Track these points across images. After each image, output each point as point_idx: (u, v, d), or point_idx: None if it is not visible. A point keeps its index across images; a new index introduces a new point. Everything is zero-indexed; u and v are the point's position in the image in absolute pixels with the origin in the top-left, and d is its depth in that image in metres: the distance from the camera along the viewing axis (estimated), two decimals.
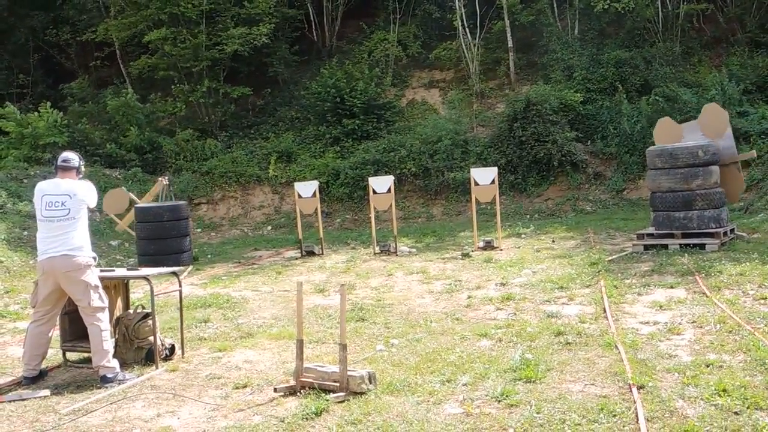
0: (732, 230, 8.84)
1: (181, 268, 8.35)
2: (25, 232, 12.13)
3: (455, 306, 6.63)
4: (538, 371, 4.35)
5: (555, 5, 18.15)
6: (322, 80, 17.56)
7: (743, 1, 16.78)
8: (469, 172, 11.59)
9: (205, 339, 5.97)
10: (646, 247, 8.59)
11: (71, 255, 4.91)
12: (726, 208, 8.84)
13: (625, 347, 4.73)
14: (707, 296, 6.02)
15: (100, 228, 13.19)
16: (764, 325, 5.05)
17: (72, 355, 5.53)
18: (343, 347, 4.21)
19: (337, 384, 4.19)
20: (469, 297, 6.95)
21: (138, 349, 5.33)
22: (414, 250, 10.64)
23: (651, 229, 8.92)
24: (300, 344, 4.38)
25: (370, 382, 4.24)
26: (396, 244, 10.48)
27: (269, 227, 15.35)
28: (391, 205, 10.89)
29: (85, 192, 5.10)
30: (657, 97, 14.86)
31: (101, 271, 5.41)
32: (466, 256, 9.58)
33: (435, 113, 17.70)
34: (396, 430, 3.62)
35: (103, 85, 20.55)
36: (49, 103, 17.44)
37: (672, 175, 8.60)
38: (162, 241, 10.68)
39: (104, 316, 4.99)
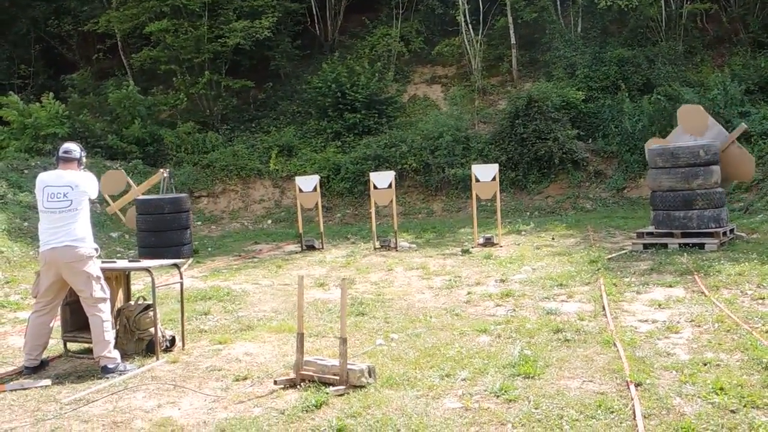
0: (731, 230, 8.87)
1: (182, 260, 8.37)
2: (26, 223, 12.14)
3: (455, 302, 6.66)
4: (537, 367, 4.38)
5: (558, 2, 18.14)
6: (323, 75, 17.55)
7: (746, 2, 16.77)
8: (469, 168, 11.61)
9: (205, 331, 6.00)
10: (646, 246, 8.61)
11: (74, 246, 4.93)
12: (726, 208, 8.87)
13: (623, 345, 4.76)
14: (706, 295, 6.05)
15: (101, 219, 13.20)
16: (762, 324, 5.08)
17: (73, 346, 5.55)
18: (344, 341, 4.24)
19: (337, 377, 4.22)
20: (468, 293, 6.98)
21: (139, 340, 5.36)
22: (414, 245, 10.67)
23: (651, 228, 8.94)
24: (300, 337, 4.40)
25: (370, 376, 4.27)
26: (396, 240, 10.51)
27: (269, 221, 15.37)
28: (391, 201, 10.90)
29: (87, 183, 5.11)
30: (659, 96, 14.85)
31: (103, 262, 5.43)
32: (466, 252, 9.60)
33: (436, 109, 17.69)
34: (395, 423, 3.65)
35: (104, 76, 20.53)
36: (51, 94, 17.44)
37: (673, 175, 8.62)
38: (162, 234, 10.70)
39: (106, 307, 5.01)
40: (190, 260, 10.50)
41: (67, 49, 21.89)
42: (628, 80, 15.74)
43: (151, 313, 5.28)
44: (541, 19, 18.02)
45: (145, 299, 5.65)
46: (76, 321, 5.40)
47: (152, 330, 5.26)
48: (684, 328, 5.16)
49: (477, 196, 10.64)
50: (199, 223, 15.15)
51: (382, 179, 10.93)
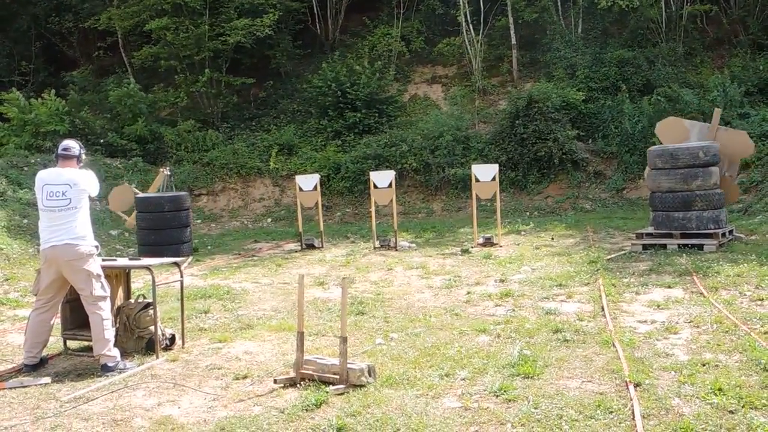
0: (730, 231, 8.88)
1: (182, 258, 8.37)
2: (25, 220, 12.14)
3: (454, 301, 6.67)
4: (536, 367, 4.39)
5: (559, 3, 18.14)
6: (323, 73, 17.55)
7: (747, 3, 16.78)
8: (469, 168, 11.62)
9: (205, 330, 6.01)
10: (645, 247, 8.63)
11: (74, 244, 4.93)
12: (725, 209, 8.88)
13: (622, 345, 4.77)
14: (704, 296, 6.06)
15: (101, 217, 13.19)
16: (760, 325, 5.09)
17: (73, 344, 5.56)
18: (344, 340, 4.24)
19: (337, 376, 4.23)
20: (468, 293, 6.99)
21: (138, 338, 5.36)
22: (414, 245, 10.67)
23: (650, 229, 8.96)
24: (300, 336, 4.41)
25: (370, 375, 4.28)
26: (396, 239, 10.51)
27: (269, 219, 15.38)
28: (391, 200, 10.91)
29: (87, 181, 5.10)
30: (659, 97, 14.87)
31: (103, 260, 5.44)
32: (465, 252, 9.61)
33: (437, 109, 17.69)
34: (395, 422, 3.66)
35: (105, 74, 20.52)
36: (53, 91, 17.43)
37: (672, 176, 8.63)
38: (162, 232, 10.70)
39: (106, 305, 5.02)
40: (190, 258, 10.50)
41: (67, 47, 21.86)
42: (628, 81, 15.76)
43: (151, 312, 5.29)
44: (542, 20, 18.02)
45: (145, 297, 5.66)
46: (76, 319, 5.40)
47: (152, 328, 5.27)
48: (683, 329, 5.17)
49: (477, 196, 10.65)
50: (199, 221, 15.15)
51: (382, 178, 10.94)
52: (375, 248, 10.51)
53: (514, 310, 6.14)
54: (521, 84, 17.57)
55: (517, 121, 15.12)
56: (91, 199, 5.24)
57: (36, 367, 5.02)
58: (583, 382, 4.16)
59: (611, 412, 3.65)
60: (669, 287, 6.58)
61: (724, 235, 8.56)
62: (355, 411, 3.83)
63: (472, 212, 10.80)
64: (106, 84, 19.13)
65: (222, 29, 17.45)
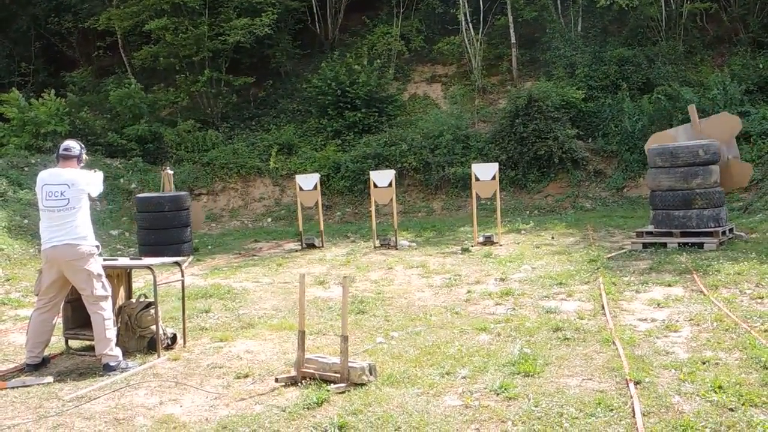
0: (731, 230, 8.89)
1: (183, 258, 8.39)
2: (26, 220, 12.15)
3: (455, 300, 6.68)
4: (537, 365, 4.40)
5: (558, 1, 18.15)
6: (323, 73, 17.56)
7: (747, 2, 16.78)
8: (469, 167, 11.63)
9: (206, 329, 6.02)
10: (645, 245, 8.64)
11: (74, 244, 4.94)
12: (725, 207, 8.89)
13: (622, 343, 4.78)
14: (705, 295, 6.07)
15: (101, 217, 13.23)
16: (760, 323, 5.10)
17: (74, 343, 5.57)
18: (345, 339, 4.26)
19: (338, 375, 4.24)
20: (468, 291, 7.00)
21: (140, 338, 5.38)
22: (414, 244, 10.69)
23: (650, 228, 8.97)
24: (302, 335, 4.42)
25: (371, 374, 4.29)
26: (396, 238, 10.52)
27: (269, 219, 15.39)
28: (391, 199, 10.92)
29: (86, 181, 5.10)
30: (659, 96, 14.88)
31: (104, 260, 5.45)
32: (465, 251, 9.63)
33: (436, 108, 17.71)
34: (396, 420, 3.67)
35: (105, 74, 20.53)
36: (53, 91, 17.44)
37: (672, 174, 8.64)
38: (162, 232, 10.72)
39: (107, 305, 5.03)
40: (191, 258, 10.52)
41: (67, 47, 21.87)
42: (628, 80, 15.76)
43: (153, 311, 5.30)
44: (542, 18, 18.03)
45: (146, 297, 5.67)
46: (78, 318, 5.41)
47: (153, 328, 5.28)
48: (683, 327, 5.19)
49: (477, 194, 10.66)
50: (204, 220, 15.16)
51: (382, 178, 10.95)
52: (375, 247, 10.52)
53: (514, 308, 6.16)
54: (521, 83, 17.58)
55: (516, 120, 15.13)
56: (91, 199, 5.25)
57: (38, 366, 5.03)
58: (583, 380, 4.17)
59: (611, 409, 3.67)
60: (669, 285, 6.59)
61: (724, 233, 8.57)
62: (356, 409, 3.84)
63: (472, 211, 10.81)
64: (106, 84, 19.15)
65: (221, 29, 17.46)
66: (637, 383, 3.99)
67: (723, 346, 4.64)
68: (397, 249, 10.25)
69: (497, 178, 10.39)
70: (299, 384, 4.32)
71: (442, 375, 4.38)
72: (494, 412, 3.74)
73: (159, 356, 5.14)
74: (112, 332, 4.99)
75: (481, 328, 5.48)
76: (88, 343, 5.38)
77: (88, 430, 3.84)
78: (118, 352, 4.96)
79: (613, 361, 4.47)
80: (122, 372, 4.83)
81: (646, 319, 5.48)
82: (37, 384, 4.65)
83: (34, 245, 10.65)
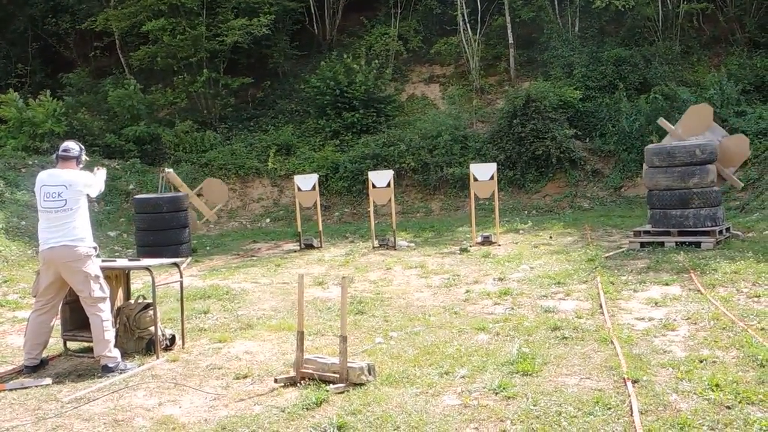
0: (727, 229, 8.92)
1: (181, 259, 8.39)
2: (23, 222, 12.14)
3: (453, 300, 6.70)
4: (535, 365, 4.41)
5: (556, 2, 18.18)
6: (321, 73, 17.57)
7: (743, 2, 16.84)
8: (468, 167, 11.65)
9: (205, 330, 6.02)
10: (643, 245, 8.66)
11: (72, 245, 4.93)
12: (722, 207, 8.92)
13: (620, 342, 4.80)
14: (702, 293, 6.09)
15: (99, 218, 13.22)
16: (757, 322, 5.12)
17: (73, 345, 5.57)
18: (344, 339, 4.26)
19: (337, 375, 4.25)
20: (467, 291, 7.01)
21: (139, 339, 5.37)
22: (412, 244, 10.70)
23: (648, 227, 8.99)
24: (300, 336, 4.43)
25: (370, 374, 4.30)
26: (395, 239, 10.53)
27: (268, 220, 15.39)
28: (390, 200, 10.93)
29: (84, 182, 5.09)
30: (656, 96, 14.92)
31: (103, 261, 5.44)
32: (464, 251, 9.64)
33: (435, 108, 17.73)
34: (395, 420, 3.68)
35: (102, 75, 20.51)
36: (48, 92, 17.43)
37: (669, 174, 8.66)
38: (161, 233, 10.70)
39: (105, 307, 5.02)
40: (189, 259, 10.52)
41: (64, 48, 21.85)
42: (625, 80, 15.80)
43: (151, 312, 5.30)
44: (539, 19, 18.06)
45: (144, 298, 5.67)
46: (76, 320, 5.41)
47: (152, 329, 5.28)
48: (680, 326, 5.20)
49: (475, 195, 10.67)
50: (198, 221, 15.15)
51: (380, 178, 10.96)
52: (374, 248, 10.53)
53: (512, 308, 6.17)
54: (519, 83, 17.61)
55: (514, 120, 15.15)
56: (90, 199, 5.25)
57: (36, 368, 5.02)
58: (581, 379, 4.19)
59: (609, 408, 3.68)
60: (666, 284, 6.61)
61: (721, 232, 8.60)
62: (355, 409, 3.85)
63: (471, 211, 10.82)
64: (104, 85, 19.13)
65: (219, 29, 17.45)
66: (634, 382, 4.00)
67: (720, 344, 4.66)
68: (395, 249, 10.26)
69: (495, 178, 10.41)
70: (298, 384, 4.33)
71: (440, 375, 4.39)
72: (493, 411, 3.75)
73: (158, 357, 5.15)
74: (110, 333, 4.98)
75: (479, 327, 5.50)
76: (86, 344, 5.37)
77: None
78: (116, 353, 4.96)
79: (611, 359, 4.48)
80: (121, 373, 4.83)
81: (643, 318, 5.50)
82: (36, 386, 4.65)
83: (32, 247, 10.64)
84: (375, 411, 3.82)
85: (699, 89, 15.00)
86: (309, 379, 4.34)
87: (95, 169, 5.43)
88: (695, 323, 5.24)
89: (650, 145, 9.25)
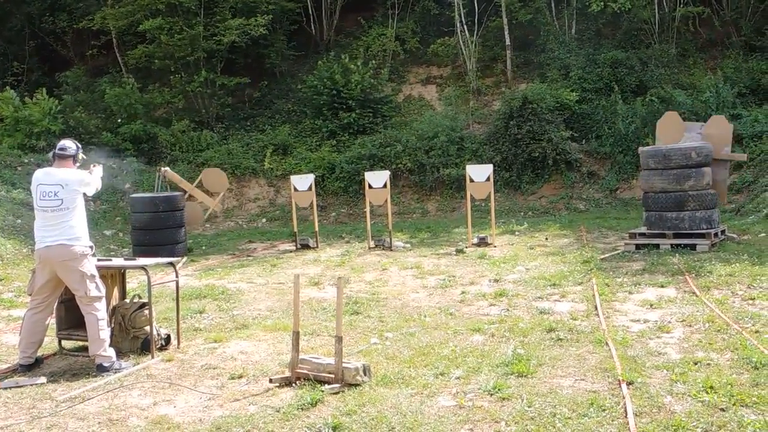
0: (723, 231, 8.95)
1: (177, 258, 8.37)
2: (19, 220, 12.10)
3: (449, 301, 6.70)
4: (530, 366, 4.42)
5: (553, 4, 18.22)
6: (318, 73, 17.56)
7: (739, 5, 16.91)
8: (464, 168, 11.66)
9: (200, 330, 6.02)
10: (638, 247, 8.68)
11: (68, 244, 4.92)
12: (717, 209, 8.95)
13: (615, 344, 4.82)
14: (697, 296, 6.12)
15: (95, 217, 13.18)
16: (752, 324, 5.15)
17: (68, 344, 5.55)
18: (339, 339, 4.27)
19: (332, 375, 4.25)
20: (462, 292, 7.02)
21: (134, 338, 5.37)
22: (408, 245, 10.70)
23: (643, 229, 9.02)
24: (296, 336, 4.43)
25: (365, 374, 4.30)
26: (391, 239, 10.54)
27: (264, 219, 15.38)
28: (386, 200, 10.93)
29: (80, 181, 5.08)
30: (652, 98, 14.97)
31: (98, 260, 5.43)
32: (460, 252, 9.65)
33: (431, 109, 17.74)
34: (390, 421, 3.68)
35: (99, 74, 20.45)
36: (45, 90, 17.38)
37: (665, 176, 8.69)
38: (157, 232, 10.68)
39: (101, 306, 5.01)
40: (185, 259, 10.50)
41: (61, 46, 21.77)
42: (622, 82, 15.84)
43: (147, 312, 5.30)
44: (536, 21, 18.10)
45: (140, 297, 5.66)
46: (71, 319, 5.40)
47: (147, 328, 5.27)
48: (675, 328, 5.22)
49: (471, 196, 10.69)
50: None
51: (376, 179, 10.96)
52: (370, 248, 10.53)
53: (508, 309, 6.18)
54: (515, 85, 17.64)
55: (511, 122, 15.18)
56: (86, 198, 5.23)
57: (31, 367, 5.01)
58: (576, 380, 4.20)
59: (604, 410, 3.69)
60: (662, 287, 6.63)
61: (716, 235, 8.63)
62: (350, 410, 3.85)
63: (467, 212, 10.83)
64: (100, 84, 19.08)
65: (216, 29, 17.43)
66: (629, 384, 4.02)
67: (715, 346, 4.68)
68: (391, 250, 10.26)
69: (491, 179, 10.42)
70: (293, 385, 4.33)
71: (436, 375, 4.39)
72: (488, 412, 3.76)
73: (153, 357, 5.14)
74: (105, 333, 4.98)
75: (475, 328, 5.51)
76: (81, 343, 5.36)
77: (82, 431, 3.83)
78: (111, 352, 4.95)
79: (605, 361, 4.50)
80: (116, 373, 4.82)
81: (638, 320, 5.52)
82: (30, 384, 4.64)
83: (27, 245, 10.60)
84: (370, 411, 3.82)
85: (695, 92, 15.05)
86: (304, 379, 4.34)
87: (91, 166, 5.42)
88: (690, 325, 5.26)
89: (646, 148, 9.28)
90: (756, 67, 15.33)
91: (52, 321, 5.32)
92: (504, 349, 4.88)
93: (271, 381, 4.41)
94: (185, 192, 12.28)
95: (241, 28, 17.22)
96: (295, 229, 11.54)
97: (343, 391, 4.15)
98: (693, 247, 8.33)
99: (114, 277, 5.71)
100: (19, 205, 12.68)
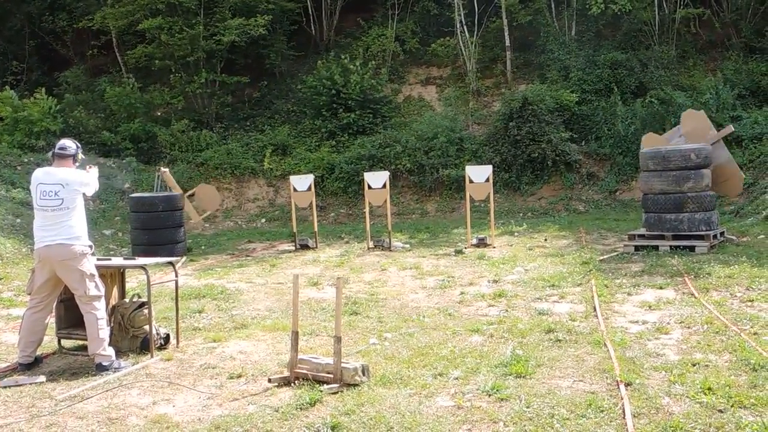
0: (722, 233, 8.96)
1: (176, 258, 8.38)
2: (18, 219, 12.10)
3: (448, 302, 6.71)
4: (529, 367, 4.43)
5: (553, 6, 18.24)
6: (318, 74, 17.58)
7: (739, 7, 16.93)
8: (463, 169, 11.67)
9: (199, 329, 6.02)
10: (637, 248, 8.69)
11: (67, 244, 4.92)
12: (716, 211, 8.96)
13: (613, 345, 4.82)
14: (695, 297, 6.12)
15: (94, 217, 13.18)
16: (750, 326, 5.15)
17: (67, 343, 5.56)
18: (338, 339, 4.27)
19: (331, 375, 4.25)
20: (461, 293, 7.03)
21: (133, 337, 5.37)
22: (407, 245, 10.71)
23: (642, 230, 9.03)
24: (295, 336, 4.43)
25: (364, 375, 4.31)
26: (390, 240, 10.54)
27: (263, 220, 15.38)
28: (385, 201, 10.94)
29: (81, 181, 5.09)
30: (652, 100, 14.99)
31: (98, 259, 5.43)
32: (459, 252, 9.66)
33: (431, 110, 17.76)
34: (389, 421, 3.69)
35: (98, 73, 20.47)
36: (44, 89, 17.38)
37: (664, 178, 8.70)
38: (156, 232, 10.69)
39: (100, 305, 5.02)
40: (184, 258, 10.50)
41: (61, 45, 21.79)
42: (621, 83, 15.86)
43: (146, 311, 5.30)
44: (536, 22, 18.12)
45: (139, 297, 5.67)
46: (71, 318, 5.40)
47: (146, 328, 5.28)
48: (674, 330, 5.23)
49: (470, 197, 10.70)
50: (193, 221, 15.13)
51: (376, 179, 10.97)
52: (369, 249, 10.54)
53: (507, 310, 6.18)
54: (515, 86, 17.66)
55: (510, 123, 15.19)
56: (86, 198, 5.24)
57: (31, 366, 5.02)
58: (574, 381, 4.20)
59: (602, 411, 3.69)
60: (660, 288, 6.63)
61: (715, 236, 8.64)
62: (349, 410, 3.86)
63: (466, 213, 10.84)
64: (99, 83, 19.09)
65: (216, 29, 17.44)
66: (627, 385, 4.02)
67: (713, 348, 4.68)
68: (390, 250, 10.27)
69: (491, 180, 10.43)
70: (292, 384, 4.33)
71: (434, 376, 4.40)
72: (486, 412, 3.76)
73: (152, 356, 5.14)
74: (105, 332, 4.98)
75: (473, 329, 5.51)
76: (80, 342, 5.37)
77: (81, 430, 3.83)
78: (111, 351, 4.96)
79: (604, 362, 4.50)
80: (115, 372, 4.83)
81: (637, 322, 5.52)
82: (30, 383, 4.64)
83: (27, 244, 10.60)
84: (369, 412, 3.83)
85: (695, 93, 15.06)
86: (303, 379, 4.34)
87: (87, 168, 5.42)
88: (689, 327, 5.27)
89: (645, 149, 9.29)
90: (756, 69, 15.35)
91: (51, 320, 5.33)
92: (503, 350, 4.88)
93: (270, 381, 4.41)
94: (185, 191, 12.29)
95: (240, 28, 17.23)
96: (295, 230, 11.55)
97: (341, 391, 4.15)
98: (692, 248, 8.34)
99: (113, 277, 5.71)
100: (19, 204, 12.70)
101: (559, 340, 5.07)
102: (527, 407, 3.78)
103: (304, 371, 4.37)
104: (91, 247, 5.10)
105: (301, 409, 3.91)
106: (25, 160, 14.96)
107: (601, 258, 8.45)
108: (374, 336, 5.48)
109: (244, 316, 6.46)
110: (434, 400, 4.00)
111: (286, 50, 19.51)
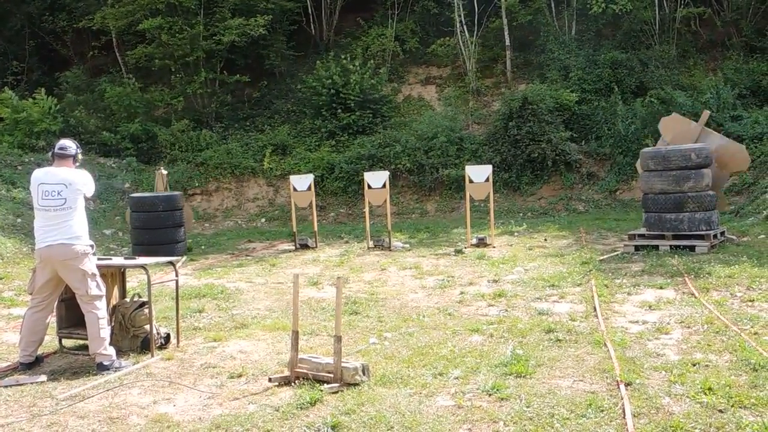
0: (722, 233, 8.96)
1: (176, 257, 8.39)
2: (19, 219, 12.11)
3: (448, 301, 6.71)
4: (529, 366, 4.43)
5: (553, 5, 18.24)
6: (318, 73, 17.58)
7: (740, 6, 16.92)
8: (463, 169, 11.68)
9: (199, 329, 6.02)
10: (637, 248, 8.69)
11: (69, 243, 4.93)
12: (717, 211, 8.96)
13: (613, 345, 4.82)
14: (696, 297, 6.13)
15: (94, 217, 13.18)
16: (751, 326, 5.15)
17: (68, 342, 5.57)
18: (338, 339, 4.28)
19: (331, 375, 4.26)
20: (461, 293, 7.03)
21: (134, 337, 5.38)
22: (407, 245, 10.71)
23: (642, 230, 9.03)
24: (295, 335, 4.44)
25: (364, 374, 4.31)
26: (390, 240, 10.55)
27: (263, 219, 15.39)
28: (385, 201, 10.94)
29: (82, 181, 5.09)
30: (652, 99, 14.99)
31: (99, 259, 5.44)
32: (459, 252, 9.66)
33: (431, 109, 17.76)
34: (389, 420, 3.69)
35: (98, 73, 20.47)
36: (44, 90, 17.39)
37: (664, 177, 8.70)
38: (156, 231, 10.70)
39: (101, 304, 5.02)
40: (184, 258, 10.51)
41: (61, 45, 21.79)
42: (622, 83, 15.86)
43: (146, 311, 5.31)
44: (536, 22, 18.12)
45: (140, 296, 5.67)
46: (72, 317, 5.41)
47: (147, 327, 5.28)
48: (674, 329, 5.23)
49: (470, 196, 10.70)
50: (193, 221, 15.13)
51: (376, 179, 10.97)
52: (369, 248, 10.54)
53: (506, 310, 6.19)
54: (515, 85, 17.66)
55: (510, 123, 15.19)
56: (86, 198, 5.24)
57: (32, 365, 5.02)
58: (574, 381, 4.21)
59: (602, 410, 3.70)
60: (661, 288, 6.64)
61: (715, 236, 8.64)
62: (349, 409, 3.86)
63: (466, 213, 10.85)
64: (99, 83, 19.09)
65: (216, 29, 17.45)
66: (627, 385, 4.03)
67: (713, 348, 4.69)
68: (390, 250, 10.28)
69: (491, 180, 10.44)
70: (292, 384, 4.33)
71: (434, 375, 4.40)
72: (486, 412, 3.76)
73: (152, 356, 5.15)
74: (106, 331, 4.99)
75: (473, 329, 5.51)
76: (81, 342, 5.37)
77: (82, 429, 3.84)
78: (111, 351, 4.96)
79: (604, 362, 4.50)
80: (116, 371, 4.83)
81: (637, 321, 5.53)
82: (31, 383, 4.65)
83: (27, 244, 10.61)
84: (369, 411, 3.83)
85: (695, 93, 15.06)
86: (303, 378, 4.35)
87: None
88: (689, 327, 5.27)
89: (646, 149, 9.29)
90: (756, 69, 15.35)
91: (52, 319, 5.33)
92: (503, 350, 4.89)
93: (270, 380, 4.42)
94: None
95: (240, 28, 17.24)
96: (295, 229, 11.55)
97: (342, 391, 4.16)
98: (692, 248, 8.34)
99: (114, 276, 5.72)
100: (20, 204, 12.70)
101: (559, 340, 5.08)
102: (527, 407, 3.79)
103: (305, 371, 4.38)
104: (92, 246, 5.11)
105: (301, 408, 3.92)
106: (26, 160, 14.96)
107: (601, 258, 8.45)
108: (374, 335, 5.48)
109: (245, 315, 6.47)
110: (434, 399, 4.01)
111: (286, 50, 19.50)
